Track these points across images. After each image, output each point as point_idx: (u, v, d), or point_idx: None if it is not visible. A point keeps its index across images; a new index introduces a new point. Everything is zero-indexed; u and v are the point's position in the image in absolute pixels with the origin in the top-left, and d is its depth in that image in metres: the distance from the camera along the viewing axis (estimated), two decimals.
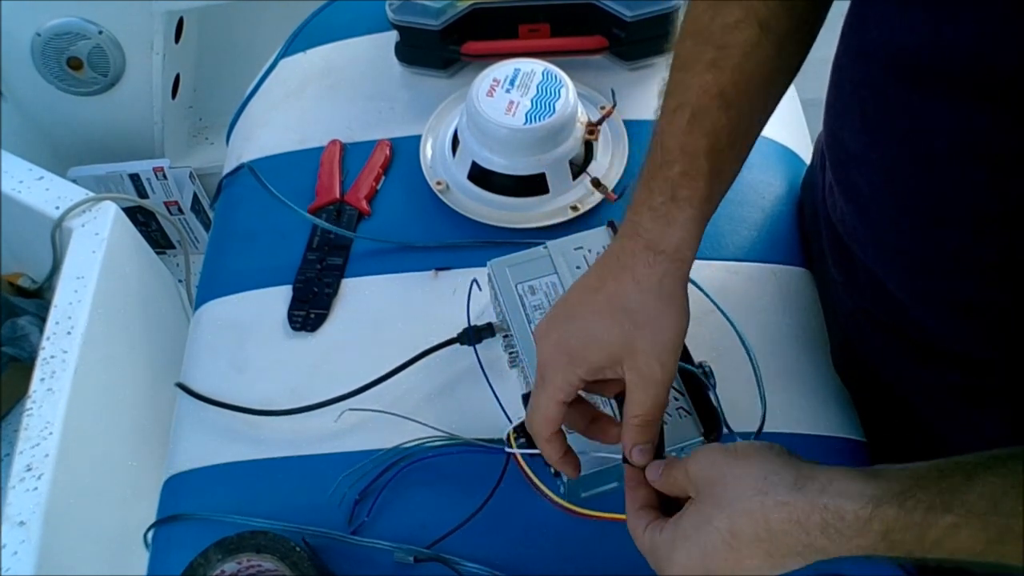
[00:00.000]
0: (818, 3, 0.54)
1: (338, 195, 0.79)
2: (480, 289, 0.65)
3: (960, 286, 0.52)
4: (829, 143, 0.62)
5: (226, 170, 0.86)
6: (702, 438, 0.56)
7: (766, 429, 0.62)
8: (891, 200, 0.53)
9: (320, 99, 0.88)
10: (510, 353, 0.66)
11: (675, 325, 0.50)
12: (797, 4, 0.52)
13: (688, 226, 0.50)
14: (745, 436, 0.59)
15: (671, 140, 0.50)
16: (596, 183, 0.77)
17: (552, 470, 0.56)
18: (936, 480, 0.39)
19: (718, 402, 0.57)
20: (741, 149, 0.53)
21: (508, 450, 0.55)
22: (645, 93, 0.84)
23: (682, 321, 0.50)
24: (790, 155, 0.83)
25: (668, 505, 0.49)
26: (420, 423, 0.63)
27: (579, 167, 0.78)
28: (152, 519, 0.65)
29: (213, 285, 0.77)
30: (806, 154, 0.85)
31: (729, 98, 0.50)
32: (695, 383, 0.58)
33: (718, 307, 0.67)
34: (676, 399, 0.58)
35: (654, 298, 0.49)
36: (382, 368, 0.67)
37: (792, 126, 0.86)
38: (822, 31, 0.55)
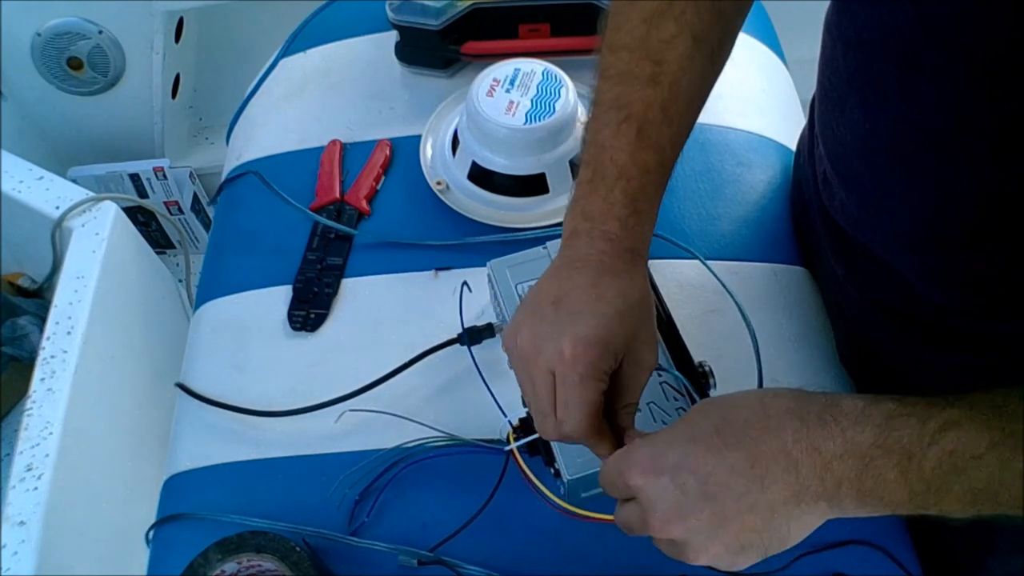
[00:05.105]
0: (742, 8, 0.56)
1: (338, 195, 0.79)
2: (471, 291, 0.65)
3: (977, 261, 0.52)
4: (825, 139, 0.62)
5: (226, 170, 0.86)
6: None
7: None
8: (898, 185, 0.53)
9: (320, 99, 0.88)
10: None
11: (654, 315, 0.54)
12: (726, 12, 0.53)
13: (649, 232, 0.54)
14: None
15: (621, 154, 0.52)
16: None
17: (552, 471, 0.56)
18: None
19: None
20: (678, 156, 0.55)
21: (507, 447, 0.55)
22: None
23: (655, 311, 0.54)
24: (792, 156, 0.83)
25: None
26: (420, 423, 0.63)
27: (579, 167, 0.78)
28: (152, 519, 0.65)
29: (213, 285, 0.77)
30: None
31: (670, 112, 0.52)
32: (695, 383, 0.58)
33: (737, 304, 0.67)
34: (676, 399, 0.58)
35: (645, 292, 0.53)
36: (382, 368, 0.67)
37: (792, 126, 0.86)
38: (810, 31, 0.55)
